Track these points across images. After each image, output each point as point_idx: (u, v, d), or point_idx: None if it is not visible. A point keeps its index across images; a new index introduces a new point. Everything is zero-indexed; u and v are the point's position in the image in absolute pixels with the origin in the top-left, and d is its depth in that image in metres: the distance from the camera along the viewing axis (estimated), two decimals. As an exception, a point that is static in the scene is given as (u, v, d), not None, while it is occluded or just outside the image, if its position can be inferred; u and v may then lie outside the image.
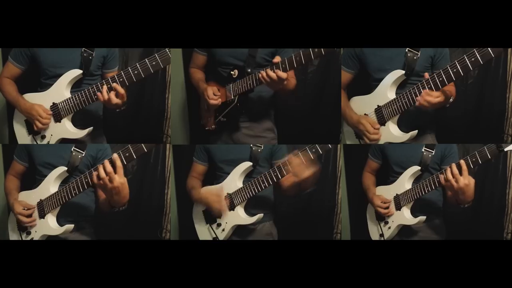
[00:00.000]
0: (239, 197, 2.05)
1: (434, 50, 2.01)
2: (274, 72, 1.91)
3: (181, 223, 2.36)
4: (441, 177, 1.93)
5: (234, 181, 2.07)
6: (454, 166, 1.89)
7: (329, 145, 2.02)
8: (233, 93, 2.08)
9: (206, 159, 2.17)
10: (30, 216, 2.00)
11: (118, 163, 1.81)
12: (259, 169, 2.09)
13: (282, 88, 1.99)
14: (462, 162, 1.88)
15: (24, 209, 2.00)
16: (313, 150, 1.95)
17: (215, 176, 2.14)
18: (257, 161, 2.09)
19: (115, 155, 1.81)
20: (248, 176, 2.08)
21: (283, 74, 1.91)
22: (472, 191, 1.90)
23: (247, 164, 2.06)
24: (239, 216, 2.06)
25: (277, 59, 1.93)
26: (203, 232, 2.14)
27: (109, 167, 1.81)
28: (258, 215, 2.05)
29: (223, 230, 2.08)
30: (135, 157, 1.85)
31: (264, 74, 1.94)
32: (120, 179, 1.81)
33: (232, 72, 2.08)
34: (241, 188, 2.05)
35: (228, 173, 2.09)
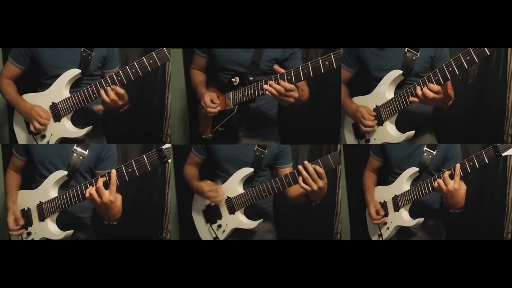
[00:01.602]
0: (240, 202, 2.04)
1: (434, 50, 2.01)
2: (278, 83, 1.82)
3: (181, 223, 2.36)
4: (436, 180, 1.93)
5: (234, 185, 2.06)
6: (447, 170, 1.90)
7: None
8: (233, 102, 2.01)
9: (205, 153, 2.16)
10: (19, 230, 1.99)
11: (113, 181, 1.78)
12: (260, 172, 2.08)
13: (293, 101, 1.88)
14: (457, 166, 1.88)
15: (15, 222, 2.00)
16: (325, 163, 1.85)
17: (216, 175, 2.13)
18: (260, 166, 2.06)
19: (113, 171, 1.79)
20: (249, 180, 2.07)
21: (288, 85, 1.82)
22: (462, 197, 1.89)
23: (248, 170, 2.05)
24: (240, 221, 2.06)
25: (278, 69, 1.86)
26: (204, 232, 2.14)
27: (99, 183, 1.78)
28: (259, 221, 2.05)
29: (224, 231, 2.08)
30: (137, 174, 1.82)
31: (269, 87, 1.84)
32: (110, 197, 1.78)
33: (233, 79, 2.02)
34: (241, 194, 2.04)
35: (229, 173, 2.08)
